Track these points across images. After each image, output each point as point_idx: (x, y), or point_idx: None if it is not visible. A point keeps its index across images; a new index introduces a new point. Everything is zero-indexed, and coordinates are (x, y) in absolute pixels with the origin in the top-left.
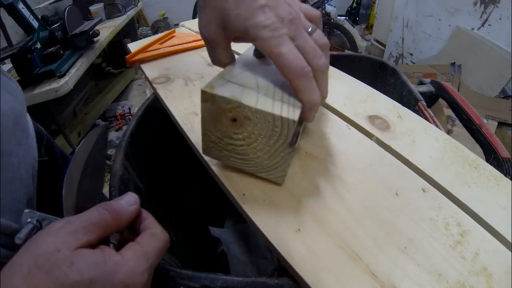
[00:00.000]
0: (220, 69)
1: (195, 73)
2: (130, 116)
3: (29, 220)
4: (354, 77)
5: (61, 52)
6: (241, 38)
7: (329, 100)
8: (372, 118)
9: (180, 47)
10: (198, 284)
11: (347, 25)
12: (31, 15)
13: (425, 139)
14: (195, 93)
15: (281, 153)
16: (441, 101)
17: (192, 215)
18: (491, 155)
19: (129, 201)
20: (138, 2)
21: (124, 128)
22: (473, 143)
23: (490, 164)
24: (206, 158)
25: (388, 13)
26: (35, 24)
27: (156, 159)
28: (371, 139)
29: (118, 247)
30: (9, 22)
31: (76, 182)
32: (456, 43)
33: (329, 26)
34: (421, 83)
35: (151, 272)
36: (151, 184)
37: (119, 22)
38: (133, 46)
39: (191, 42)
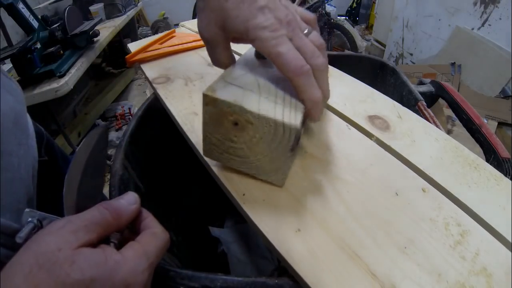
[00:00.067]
0: (221, 70)
1: (195, 73)
2: (130, 116)
3: (30, 219)
4: (354, 77)
5: (61, 52)
6: (240, 39)
7: (329, 100)
8: (372, 118)
9: (180, 47)
10: (198, 284)
11: (347, 25)
12: (31, 15)
13: (425, 139)
14: (195, 93)
15: (282, 157)
16: (441, 101)
17: (192, 215)
18: (491, 155)
19: (130, 200)
20: (138, 2)
21: (124, 128)
22: (473, 143)
23: (490, 164)
24: (206, 158)
25: (388, 13)
26: (35, 24)
27: (156, 159)
28: (371, 139)
29: (119, 246)
30: (9, 22)
31: (77, 182)
32: (456, 43)
33: (329, 26)
34: (421, 83)
35: (151, 271)
36: (151, 184)
37: (119, 22)
38: (133, 46)
39: (191, 42)
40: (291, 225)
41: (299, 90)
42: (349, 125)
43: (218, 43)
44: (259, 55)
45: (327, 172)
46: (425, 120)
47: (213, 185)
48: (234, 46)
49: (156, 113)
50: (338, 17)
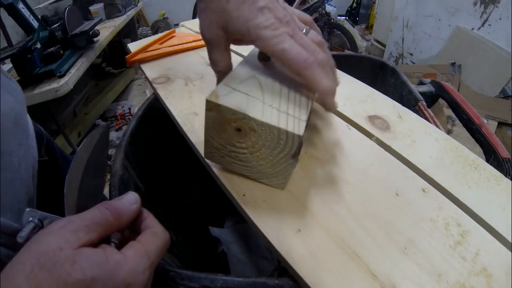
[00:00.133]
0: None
1: (195, 73)
2: (130, 116)
3: (31, 219)
4: (354, 77)
5: (61, 52)
6: (242, 40)
7: None
8: (372, 118)
9: (180, 47)
10: (198, 285)
11: (347, 25)
12: (31, 15)
13: (425, 139)
14: (195, 93)
15: (284, 163)
16: (441, 101)
17: (192, 215)
18: (491, 155)
19: (130, 200)
20: (138, 2)
21: (124, 128)
22: (473, 143)
23: (490, 164)
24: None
25: (388, 13)
26: (35, 24)
27: (156, 159)
28: (371, 139)
29: (119, 246)
30: (9, 22)
31: (78, 181)
32: (456, 43)
33: (329, 26)
34: (421, 83)
35: (152, 270)
36: (151, 184)
37: (119, 22)
38: (133, 46)
39: (191, 42)
40: (291, 226)
41: (309, 82)
42: (349, 125)
43: (219, 44)
44: (262, 57)
45: (327, 172)
46: (425, 120)
47: (213, 185)
48: (234, 47)
49: (156, 113)
50: (338, 17)
